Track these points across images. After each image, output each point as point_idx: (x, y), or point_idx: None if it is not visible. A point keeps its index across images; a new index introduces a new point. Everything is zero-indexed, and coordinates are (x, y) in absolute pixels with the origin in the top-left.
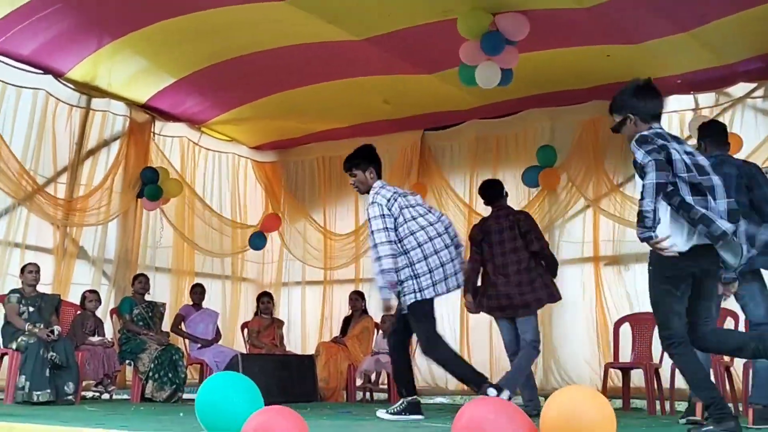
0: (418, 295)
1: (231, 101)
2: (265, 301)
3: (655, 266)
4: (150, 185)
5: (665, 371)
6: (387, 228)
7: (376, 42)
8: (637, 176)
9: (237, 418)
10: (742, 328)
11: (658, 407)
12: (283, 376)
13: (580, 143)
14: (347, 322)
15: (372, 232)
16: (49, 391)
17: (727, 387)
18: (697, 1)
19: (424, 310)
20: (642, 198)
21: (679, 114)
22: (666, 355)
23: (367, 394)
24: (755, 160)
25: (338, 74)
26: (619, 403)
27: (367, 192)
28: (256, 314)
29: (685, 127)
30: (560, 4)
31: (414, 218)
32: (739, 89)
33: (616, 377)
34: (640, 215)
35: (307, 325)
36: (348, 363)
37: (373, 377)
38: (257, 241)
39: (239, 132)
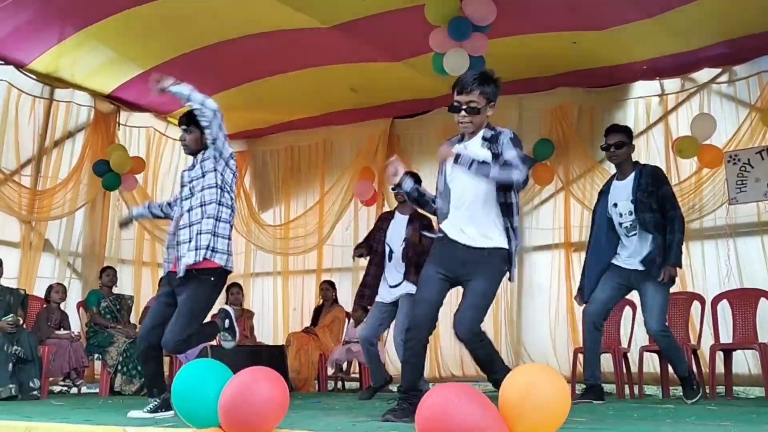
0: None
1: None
2: (234, 291)
3: None
4: (106, 175)
5: (633, 356)
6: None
7: (344, 29)
8: None
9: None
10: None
11: (627, 391)
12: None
13: (550, 131)
14: (318, 311)
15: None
16: (11, 386)
17: (695, 368)
18: None
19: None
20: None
21: (645, 100)
22: (635, 339)
23: (339, 384)
24: (728, 148)
25: (306, 63)
26: None
27: (195, 153)
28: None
29: (652, 113)
30: None
31: None
32: (704, 75)
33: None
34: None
35: (277, 315)
36: (319, 353)
37: (344, 366)
38: None
39: None
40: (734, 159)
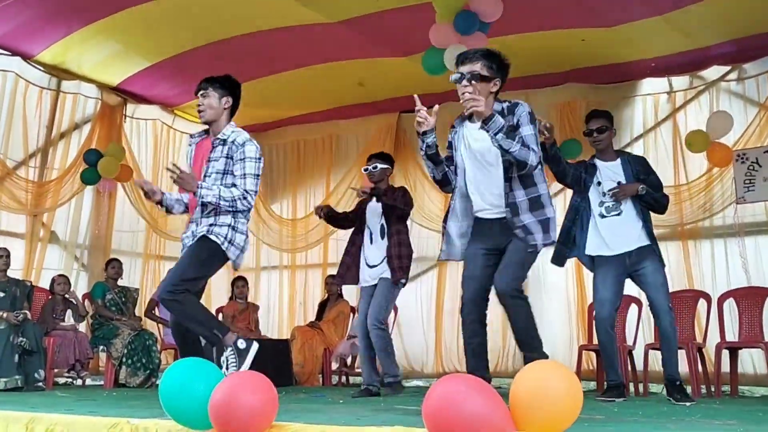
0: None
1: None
2: (239, 285)
3: None
4: (88, 169)
5: (638, 353)
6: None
7: (352, 24)
8: None
9: (202, 405)
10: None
11: (631, 389)
12: (258, 361)
13: (558, 127)
14: (323, 306)
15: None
16: (17, 377)
17: (700, 368)
18: None
19: None
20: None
21: (653, 97)
22: (638, 337)
23: (343, 378)
24: (737, 146)
25: (313, 60)
26: (593, 384)
27: (208, 122)
28: (231, 299)
29: (660, 110)
30: None
31: None
32: (713, 72)
33: (590, 359)
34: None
35: (282, 309)
36: (323, 347)
37: (348, 361)
38: None
39: None
40: (742, 158)
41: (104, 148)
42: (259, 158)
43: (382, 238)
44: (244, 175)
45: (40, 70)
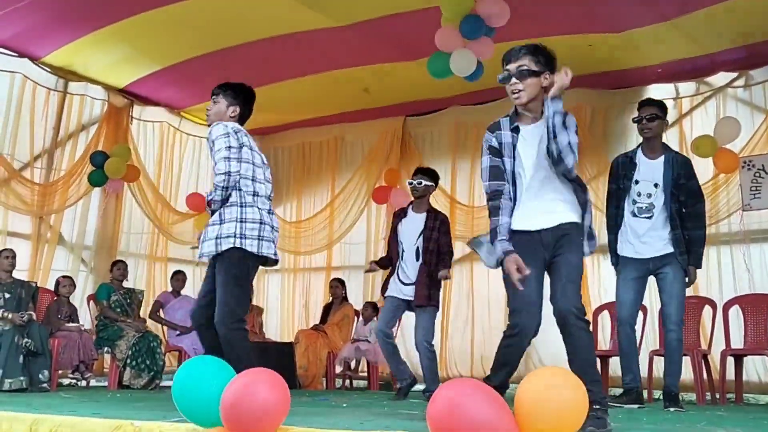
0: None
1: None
2: None
3: None
4: (95, 172)
5: (642, 359)
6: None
7: (359, 29)
8: None
9: (214, 403)
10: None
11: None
12: (262, 364)
13: None
14: (327, 309)
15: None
16: (22, 378)
17: (705, 375)
18: None
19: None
20: None
21: None
22: (643, 343)
23: (347, 382)
24: (743, 153)
25: (320, 67)
26: None
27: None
28: None
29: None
30: None
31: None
32: (719, 79)
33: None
34: None
35: (286, 312)
36: (327, 350)
37: (352, 365)
38: None
39: None
40: (749, 165)
41: (110, 149)
42: (226, 134)
43: (417, 259)
44: (215, 159)
45: (47, 71)
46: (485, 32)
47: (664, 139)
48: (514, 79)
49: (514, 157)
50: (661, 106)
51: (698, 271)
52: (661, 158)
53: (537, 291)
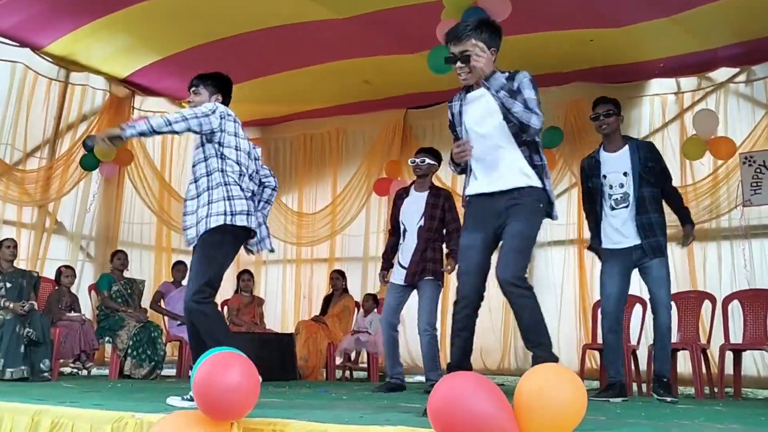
0: None
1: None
2: (245, 278)
3: None
4: (87, 155)
5: (642, 353)
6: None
7: (361, 21)
8: None
9: None
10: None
11: (635, 388)
12: (263, 355)
13: (564, 124)
14: (327, 300)
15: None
16: (23, 368)
17: (704, 370)
18: None
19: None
20: None
21: (660, 98)
22: (642, 337)
23: (347, 373)
24: (743, 149)
25: (321, 57)
26: (596, 384)
27: None
28: (236, 292)
29: (667, 111)
30: None
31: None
32: (721, 74)
33: (594, 359)
34: None
35: (287, 303)
36: (328, 342)
37: (352, 356)
38: None
39: None
40: (749, 160)
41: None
42: (213, 110)
43: (418, 238)
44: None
45: (48, 61)
46: None
47: (665, 134)
48: (459, 63)
49: (462, 124)
50: (615, 103)
51: (697, 266)
52: (624, 149)
53: (476, 261)
